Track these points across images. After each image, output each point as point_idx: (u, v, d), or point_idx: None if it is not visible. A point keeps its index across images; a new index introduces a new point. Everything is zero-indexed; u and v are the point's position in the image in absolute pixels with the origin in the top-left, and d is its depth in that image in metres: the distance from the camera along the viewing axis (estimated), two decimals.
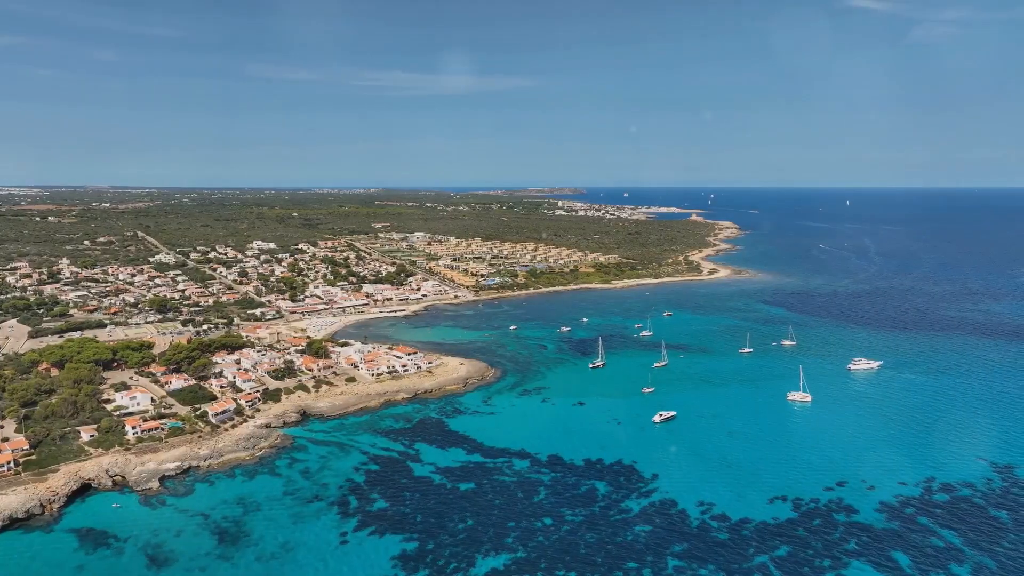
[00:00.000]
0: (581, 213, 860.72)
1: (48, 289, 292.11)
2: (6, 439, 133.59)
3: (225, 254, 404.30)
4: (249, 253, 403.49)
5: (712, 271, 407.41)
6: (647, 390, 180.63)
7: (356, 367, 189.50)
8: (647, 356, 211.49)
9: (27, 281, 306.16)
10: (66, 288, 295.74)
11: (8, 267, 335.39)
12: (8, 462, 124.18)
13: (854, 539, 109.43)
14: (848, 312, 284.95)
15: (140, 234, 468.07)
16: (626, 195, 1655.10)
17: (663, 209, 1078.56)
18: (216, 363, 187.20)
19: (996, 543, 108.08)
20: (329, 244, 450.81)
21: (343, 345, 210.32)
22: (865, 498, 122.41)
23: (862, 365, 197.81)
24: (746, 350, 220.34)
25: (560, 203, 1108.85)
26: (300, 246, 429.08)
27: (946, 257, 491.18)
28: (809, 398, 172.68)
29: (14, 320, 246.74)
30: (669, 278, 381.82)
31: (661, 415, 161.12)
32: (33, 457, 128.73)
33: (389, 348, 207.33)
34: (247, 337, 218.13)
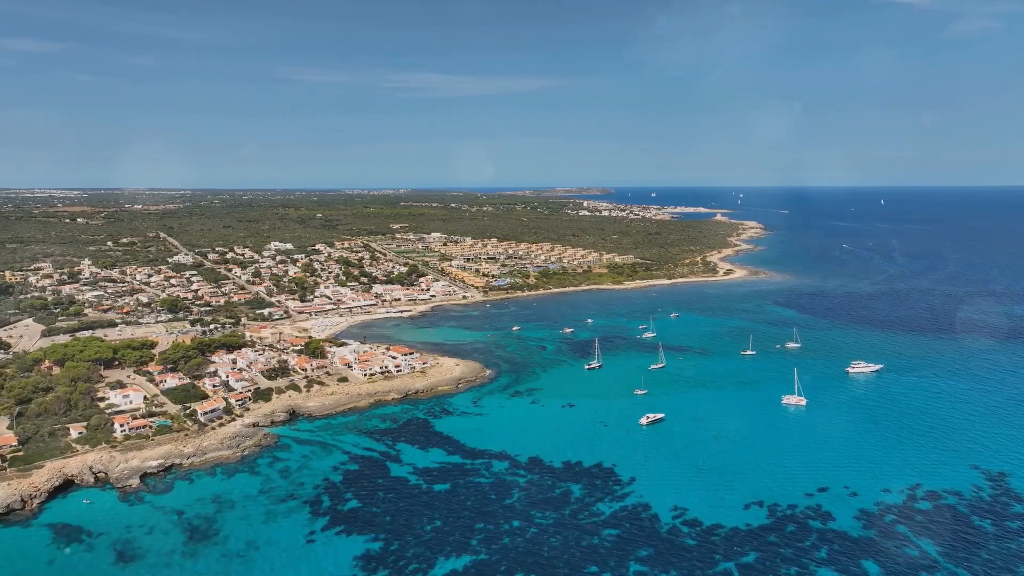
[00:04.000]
0: (605, 213, 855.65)
1: (67, 289, 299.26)
2: None
3: (242, 255, 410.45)
4: (266, 254, 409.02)
5: (728, 272, 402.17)
6: (639, 392, 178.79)
7: (350, 367, 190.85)
8: (646, 358, 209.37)
9: (47, 281, 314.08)
10: (84, 288, 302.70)
11: (32, 267, 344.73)
12: None
13: (826, 547, 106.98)
14: (860, 314, 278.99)
15: (162, 235, 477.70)
16: (653, 195, 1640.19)
17: (689, 209, 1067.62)
18: (213, 362, 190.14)
19: (974, 554, 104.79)
20: (346, 244, 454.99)
21: (340, 345, 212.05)
22: (845, 505, 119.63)
23: (861, 368, 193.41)
24: (748, 352, 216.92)
25: (585, 203, 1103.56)
26: (316, 247, 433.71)
27: (974, 257, 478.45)
28: (804, 401, 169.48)
29: (30, 319, 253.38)
30: (683, 279, 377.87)
31: (648, 417, 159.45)
32: (20, 453, 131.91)
33: (386, 348, 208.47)
34: (249, 337, 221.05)
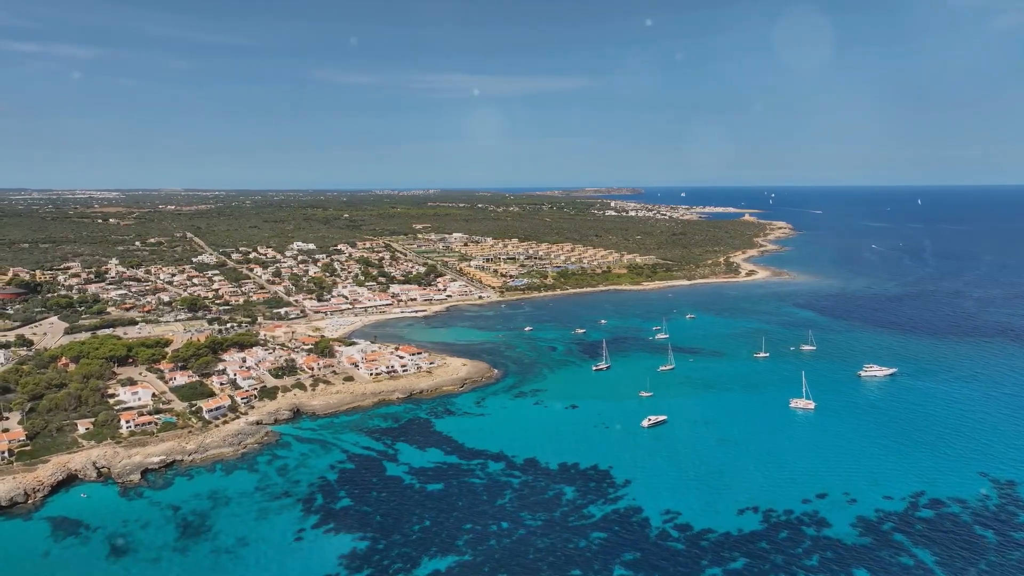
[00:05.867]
0: (632, 213, 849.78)
1: (93, 288, 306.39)
2: (6, 430, 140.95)
3: (265, 254, 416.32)
4: (288, 254, 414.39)
5: (750, 272, 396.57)
6: (645, 394, 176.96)
7: (356, 366, 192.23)
8: (656, 359, 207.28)
9: (75, 280, 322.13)
10: (109, 287, 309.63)
11: (62, 266, 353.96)
12: (3, 452, 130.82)
13: (818, 555, 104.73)
14: (881, 316, 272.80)
15: (189, 235, 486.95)
16: (683, 195, 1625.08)
17: (718, 209, 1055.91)
18: (223, 360, 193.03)
19: (972, 563, 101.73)
20: (367, 244, 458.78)
21: (349, 344, 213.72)
22: (842, 512, 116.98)
23: (874, 372, 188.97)
24: (761, 354, 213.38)
25: (613, 203, 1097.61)
26: (339, 247, 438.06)
27: (1009, 258, 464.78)
28: (812, 405, 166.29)
29: (55, 317, 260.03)
30: (703, 279, 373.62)
31: (650, 419, 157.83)
32: (28, 448, 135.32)
33: (395, 348, 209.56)
34: (263, 336, 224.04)
